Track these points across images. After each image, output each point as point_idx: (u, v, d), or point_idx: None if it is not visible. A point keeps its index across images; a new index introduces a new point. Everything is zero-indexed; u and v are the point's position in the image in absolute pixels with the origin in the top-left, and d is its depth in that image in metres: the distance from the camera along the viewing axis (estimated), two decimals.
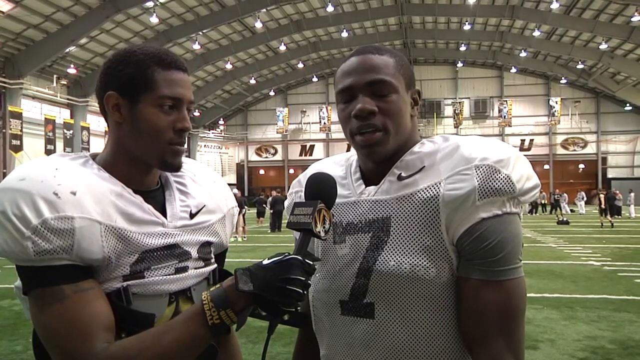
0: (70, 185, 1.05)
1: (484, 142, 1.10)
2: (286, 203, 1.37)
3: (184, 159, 1.33)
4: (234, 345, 1.41)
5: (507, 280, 1.03)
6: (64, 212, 1.02)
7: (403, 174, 1.12)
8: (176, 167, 1.19)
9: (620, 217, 26.12)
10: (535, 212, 31.47)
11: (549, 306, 6.82)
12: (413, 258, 1.06)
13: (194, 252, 1.21)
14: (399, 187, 1.11)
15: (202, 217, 1.25)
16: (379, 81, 1.11)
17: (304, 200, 1.11)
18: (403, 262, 1.06)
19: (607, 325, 5.87)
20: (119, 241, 1.08)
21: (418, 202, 1.07)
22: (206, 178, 1.33)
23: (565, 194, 29.93)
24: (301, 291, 0.96)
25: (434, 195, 1.06)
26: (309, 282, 0.98)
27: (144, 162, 1.16)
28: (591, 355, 4.85)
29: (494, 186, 1.03)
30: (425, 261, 1.05)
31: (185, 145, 1.20)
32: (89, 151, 1.27)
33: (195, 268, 1.21)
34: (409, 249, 1.07)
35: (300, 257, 0.99)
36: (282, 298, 0.96)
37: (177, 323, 1.01)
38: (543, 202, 32.02)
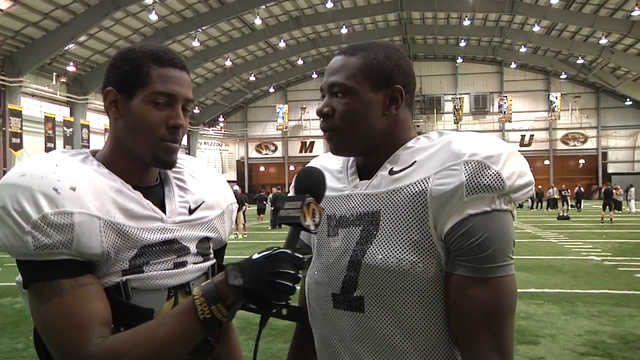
0: (70, 181, 1.06)
1: (476, 138, 1.09)
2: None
3: (183, 155, 1.34)
4: (233, 340, 1.41)
5: (494, 278, 1.02)
6: (64, 207, 1.03)
7: (395, 169, 1.13)
8: (168, 164, 1.19)
9: (619, 211, 26.11)
10: (551, 208, 30.68)
11: (549, 301, 6.82)
12: (400, 252, 1.06)
13: (192, 248, 1.21)
14: (389, 181, 1.12)
15: (201, 212, 1.26)
16: (334, 83, 1.15)
17: (294, 195, 1.12)
18: (390, 256, 1.07)
19: (607, 320, 5.88)
20: (117, 236, 1.08)
21: (406, 196, 1.08)
22: (205, 174, 1.34)
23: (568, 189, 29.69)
24: (291, 285, 0.96)
25: (422, 190, 1.06)
26: (299, 275, 0.98)
27: (137, 156, 1.17)
28: (592, 350, 4.85)
29: (483, 182, 1.02)
30: (412, 256, 1.05)
31: (185, 143, 1.20)
32: (89, 149, 1.28)
33: (194, 263, 1.22)
34: (397, 243, 1.07)
35: (289, 251, 0.99)
36: (272, 292, 0.96)
37: (170, 317, 1.02)
38: (555, 197, 31.01)
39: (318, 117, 1.20)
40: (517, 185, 1.05)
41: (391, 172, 1.13)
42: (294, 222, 1.04)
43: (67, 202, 1.04)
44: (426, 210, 1.06)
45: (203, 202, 1.26)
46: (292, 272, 0.96)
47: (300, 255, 1.00)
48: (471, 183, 1.03)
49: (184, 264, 1.19)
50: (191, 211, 1.23)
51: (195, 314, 0.99)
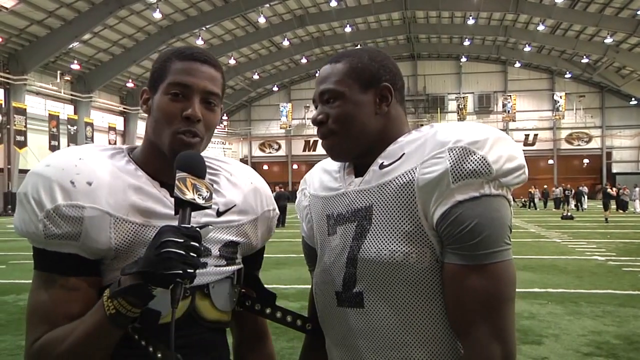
0: (88, 175, 1.10)
1: (462, 126, 1.10)
2: (296, 202, 1.40)
3: (225, 158, 1.36)
4: (268, 348, 1.43)
5: (489, 264, 1.01)
6: (77, 200, 1.07)
7: (385, 163, 1.14)
8: None
9: (622, 211, 26.02)
10: (555, 208, 30.34)
11: (553, 301, 6.78)
12: (393, 244, 1.07)
13: (215, 250, 1.20)
14: (379, 175, 1.13)
15: (230, 216, 1.25)
16: (324, 91, 1.19)
17: None
18: (383, 248, 1.07)
19: (611, 321, 5.85)
20: (129, 234, 1.10)
21: (395, 188, 1.09)
22: (243, 179, 1.33)
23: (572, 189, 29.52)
24: (181, 252, 0.95)
25: (409, 180, 1.07)
26: (193, 244, 0.98)
27: (162, 151, 1.17)
28: (596, 351, 4.83)
29: (468, 168, 1.02)
30: (405, 247, 1.06)
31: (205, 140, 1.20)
32: (124, 145, 1.31)
33: (216, 266, 1.20)
34: (389, 235, 1.08)
35: (171, 225, 1.00)
36: (162, 264, 0.95)
37: (87, 315, 1.05)
38: (561, 197, 30.31)
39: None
40: (506, 169, 1.04)
41: (381, 167, 1.14)
42: (177, 201, 1.03)
43: (81, 196, 1.07)
44: (414, 200, 1.06)
45: (234, 205, 1.25)
46: (178, 240, 0.96)
47: (188, 225, 1.00)
48: (456, 169, 1.02)
49: (203, 265, 1.16)
50: (219, 214, 1.22)
51: (103, 310, 1.01)
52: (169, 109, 1.13)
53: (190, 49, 1.19)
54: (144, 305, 1.02)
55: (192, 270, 0.96)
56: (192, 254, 0.96)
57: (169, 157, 1.15)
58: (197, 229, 1.01)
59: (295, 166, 45.94)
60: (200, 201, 1.04)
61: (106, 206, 1.08)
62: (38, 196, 1.07)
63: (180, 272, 0.95)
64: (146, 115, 1.21)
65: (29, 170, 1.16)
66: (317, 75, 1.24)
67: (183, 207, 1.03)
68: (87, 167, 1.11)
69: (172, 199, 1.13)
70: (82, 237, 1.06)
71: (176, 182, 1.04)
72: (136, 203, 1.12)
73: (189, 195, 1.03)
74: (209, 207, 1.08)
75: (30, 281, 1.13)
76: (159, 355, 1.06)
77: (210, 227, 1.12)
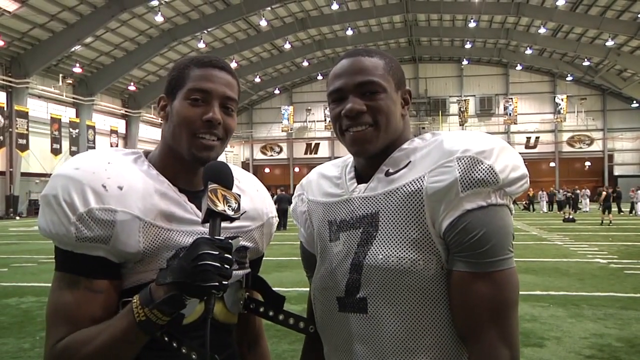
0: (119, 180, 1.13)
1: (467, 135, 1.11)
2: (291, 207, 1.40)
3: (231, 166, 1.37)
4: (263, 347, 1.46)
5: (496, 272, 1.03)
6: (109, 204, 1.10)
7: (390, 170, 1.14)
8: (203, 161, 1.20)
9: (622, 213, 25.94)
10: (560, 210, 30.09)
11: (555, 304, 6.78)
12: (400, 251, 1.07)
13: None
14: (386, 182, 1.13)
15: (242, 222, 1.27)
16: (367, 82, 1.14)
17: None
18: (390, 255, 1.08)
19: (613, 323, 5.84)
20: (156, 238, 1.13)
21: (403, 196, 1.09)
22: (250, 186, 1.37)
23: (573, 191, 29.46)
24: (217, 264, 0.97)
25: (418, 188, 1.07)
26: (227, 255, 1.00)
27: (181, 155, 1.19)
28: (598, 353, 4.82)
29: (477, 177, 1.03)
30: (412, 254, 1.06)
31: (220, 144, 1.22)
32: (140, 149, 1.33)
33: None
34: (396, 242, 1.08)
35: (206, 237, 1.02)
36: (199, 276, 0.97)
37: (114, 319, 1.07)
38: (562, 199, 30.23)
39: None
40: (511, 179, 1.06)
41: (387, 174, 1.14)
42: (208, 211, 1.05)
43: (113, 200, 1.10)
44: (423, 208, 1.07)
45: (245, 212, 1.28)
46: (214, 252, 0.98)
47: (222, 237, 1.02)
48: (465, 178, 1.03)
49: None
50: (232, 220, 1.25)
51: (132, 316, 1.03)
52: (189, 113, 1.17)
53: (208, 57, 1.22)
54: (173, 314, 1.04)
55: (226, 282, 0.99)
56: (225, 265, 0.99)
57: (189, 160, 1.19)
58: (229, 240, 1.03)
59: (296, 169, 45.92)
60: (230, 212, 1.07)
61: (136, 210, 1.11)
62: (70, 199, 1.08)
63: (217, 284, 0.98)
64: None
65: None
66: (343, 65, 1.18)
67: (213, 217, 1.05)
68: (116, 172, 1.14)
69: (191, 204, 1.19)
70: (112, 240, 1.09)
71: (208, 193, 1.06)
72: (162, 208, 1.15)
73: (220, 207, 1.06)
74: (238, 219, 1.11)
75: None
76: (194, 356, 1.08)
77: (239, 237, 1.16)
